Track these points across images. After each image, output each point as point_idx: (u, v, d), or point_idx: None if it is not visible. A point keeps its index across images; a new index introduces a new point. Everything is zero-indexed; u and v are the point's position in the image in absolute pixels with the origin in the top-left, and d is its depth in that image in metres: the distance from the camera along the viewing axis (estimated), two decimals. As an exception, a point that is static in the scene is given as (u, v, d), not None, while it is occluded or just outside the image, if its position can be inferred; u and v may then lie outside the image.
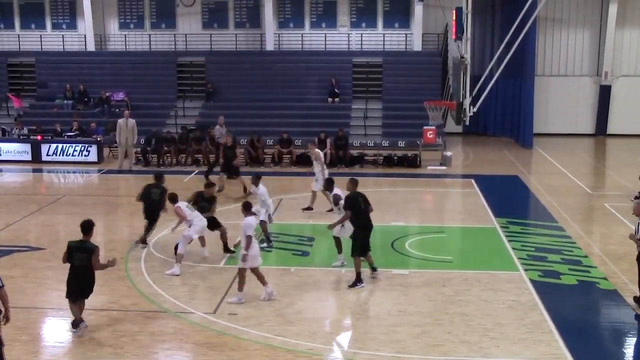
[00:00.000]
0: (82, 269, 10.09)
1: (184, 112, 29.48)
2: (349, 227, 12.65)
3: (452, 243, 15.66)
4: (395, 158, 24.63)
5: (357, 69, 30.96)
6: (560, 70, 32.79)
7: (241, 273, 11.44)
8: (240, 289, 11.44)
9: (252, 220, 11.50)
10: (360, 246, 12.34)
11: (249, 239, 11.25)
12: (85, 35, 32.89)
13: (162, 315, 10.96)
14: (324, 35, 32.39)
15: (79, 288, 10.17)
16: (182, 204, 13.49)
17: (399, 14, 32.41)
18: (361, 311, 11.32)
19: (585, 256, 14.12)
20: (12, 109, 30.44)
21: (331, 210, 16.73)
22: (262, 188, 14.60)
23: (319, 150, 18.71)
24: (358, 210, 12.34)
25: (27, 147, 25.16)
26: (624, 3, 31.57)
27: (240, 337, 10.12)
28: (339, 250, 13.26)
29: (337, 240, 13.21)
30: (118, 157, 23.86)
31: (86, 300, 11.39)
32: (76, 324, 10.20)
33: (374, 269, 12.66)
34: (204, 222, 13.47)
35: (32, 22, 33.88)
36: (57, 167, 24.42)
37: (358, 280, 12.24)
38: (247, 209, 11.73)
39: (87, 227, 10.27)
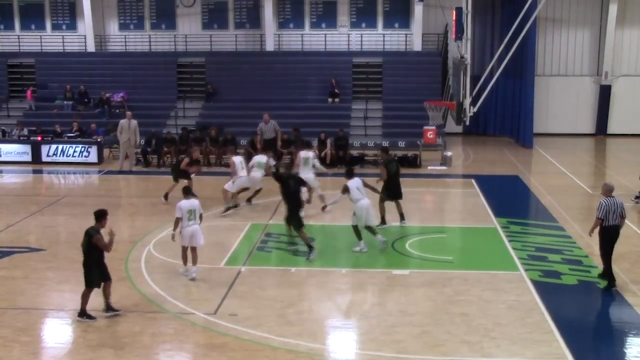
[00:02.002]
0: (84, 254, 10.77)
1: (184, 113, 29.48)
2: (359, 215, 14.17)
3: (452, 243, 15.64)
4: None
5: (357, 69, 30.96)
6: (560, 70, 32.80)
7: (182, 250, 12.72)
8: (184, 263, 12.73)
9: (182, 204, 12.50)
10: (296, 221, 14.03)
11: (176, 220, 12.49)
12: (85, 36, 32.90)
13: (162, 316, 10.95)
14: (323, 35, 32.40)
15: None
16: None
17: (399, 14, 32.42)
18: (362, 311, 11.31)
19: (586, 256, 14.12)
20: (13, 109, 30.46)
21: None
22: (236, 159, 17.71)
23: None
24: (287, 189, 14.27)
25: (27, 148, 25.16)
26: (624, 3, 31.57)
27: (241, 338, 10.11)
28: (359, 237, 14.29)
29: (355, 229, 14.31)
30: (119, 158, 23.85)
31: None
32: (109, 307, 10.90)
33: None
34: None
35: (32, 23, 33.90)
36: (58, 168, 24.41)
37: (309, 248, 13.78)
38: (185, 192, 12.85)
39: (99, 214, 10.97)
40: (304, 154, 17.76)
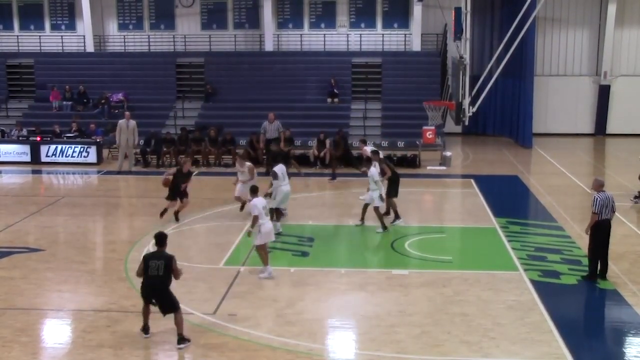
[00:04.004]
0: (156, 278, 9.81)
1: (183, 113, 29.48)
2: (279, 199, 15.35)
3: (451, 243, 15.64)
4: (395, 158, 24.57)
5: (356, 69, 30.97)
6: (559, 70, 32.80)
7: (258, 250, 12.74)
8: (265, 263, 12.68)
9: (257, 202, 12.69)
10: None
11: (255, 218, 12.55)
12: (84, 36, 32.87)
13: (161, 316, 10.90)
14: (323, 35, 32.39)
15: (153, 296, 9.91)
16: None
17: (398, 14, 32.43)
18: (361, 311, 11.30)
19: (585, 256, 14.07)
20: (12, 110, 30.46)
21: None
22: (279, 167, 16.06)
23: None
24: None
25: (26, 148, 25.14)
26: (623, 3, 31.58)
27: (240, 338, 10.11)
28: (276, 218, 15.24)
29: (273, 211, 15.03)
30: (118, 158, 23.83)
31: (85, 301, 11.45)
32: (146, 330, 10.11)
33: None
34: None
35: (31, 23, 33.87)
36: (57, 169, 24.39)
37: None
38: (253, 191, 13.14)
39: (163, 238, 10.16)
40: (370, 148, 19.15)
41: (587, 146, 30.75)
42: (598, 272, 12.48)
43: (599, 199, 12.27)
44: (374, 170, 15.98)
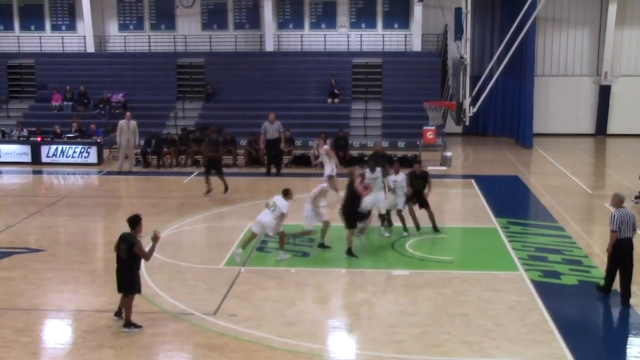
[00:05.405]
0: (121, 260, 10.43)
1: (184, 114, 29.49)
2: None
3: (452, 243, 15.62)
4: (395, 159, 24.57)
5: (357, 69, 30.97)
6: (560, 70, 32.81)
7: (281, 236, 13.67)
8: (281, 248, 13.68)
9: (278, 202, 13.41)
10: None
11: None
12: (84, 37, 32.90)
13: (162, 316, 10.95)
14: (323, 35, 32.40)
15: (118, 281, 10.48)
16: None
17: (399, 14, 32.44)
18: (361, 312, 11.30)
19: (586, 256, 14.11)
20: (12, 110, 30.47)
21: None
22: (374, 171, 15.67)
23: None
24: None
25: (26, 148, 25.16)
26: (624, 3, 31.59)
27: (240, 338, 10.10)
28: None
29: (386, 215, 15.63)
30: (118, 159, 23.83)
31: (86, 301, 11.45)
32: (118, 313, 10.65)
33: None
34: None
35: (32, 24, 33.90)
36: (57, 169, 24.41)
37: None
38: (285, 194, 13.67)
39: (134, 221, 10.64)
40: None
41: (587, 146, 30.75)
42: (621, 296, 11.59)
43: (617, 215, 11.35)
44: (403, 176, 15.83)
